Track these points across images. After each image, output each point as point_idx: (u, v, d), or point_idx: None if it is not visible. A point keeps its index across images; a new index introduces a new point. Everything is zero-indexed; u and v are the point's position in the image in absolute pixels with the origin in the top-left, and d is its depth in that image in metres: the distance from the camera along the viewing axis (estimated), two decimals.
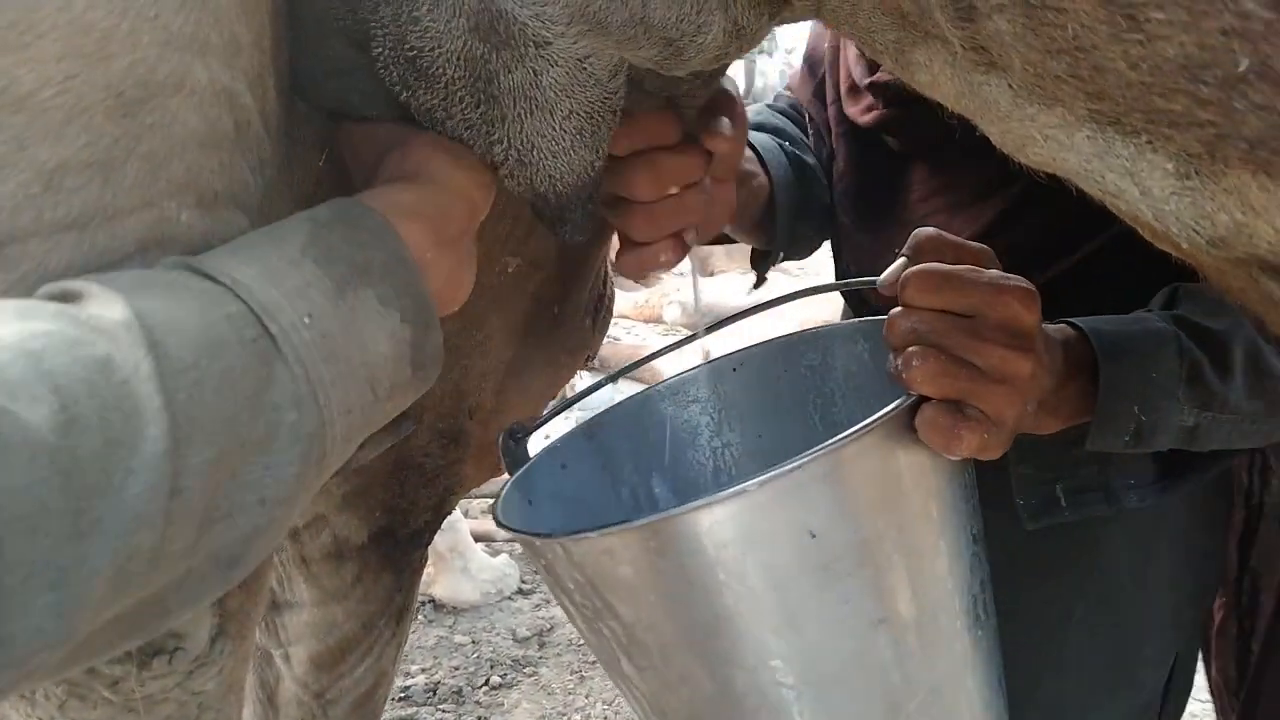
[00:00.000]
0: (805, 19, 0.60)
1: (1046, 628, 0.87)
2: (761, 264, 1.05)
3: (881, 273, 0.65)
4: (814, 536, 0.54)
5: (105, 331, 0.39)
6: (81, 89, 0.44)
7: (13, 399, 0.35)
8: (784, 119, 1.08)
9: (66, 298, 0.41)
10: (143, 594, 0.41)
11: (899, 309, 0.61)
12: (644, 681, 0.61)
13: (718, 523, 0.53)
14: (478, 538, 2.59)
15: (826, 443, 0.53)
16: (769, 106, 1.12)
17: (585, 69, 0.58)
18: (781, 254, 1.02)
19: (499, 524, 0.65)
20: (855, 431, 0.54)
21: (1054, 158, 0.38)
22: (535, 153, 0.59)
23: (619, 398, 0.85)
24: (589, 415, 0.82)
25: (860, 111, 0.96)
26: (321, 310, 0.46)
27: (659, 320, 4.44)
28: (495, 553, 2.57)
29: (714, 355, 0.85)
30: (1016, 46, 0.35)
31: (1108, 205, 0.37)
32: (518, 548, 2.61)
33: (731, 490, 0.53)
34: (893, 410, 0.56)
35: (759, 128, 1.03)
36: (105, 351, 0.38)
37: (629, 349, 3.80)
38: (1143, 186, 0.33)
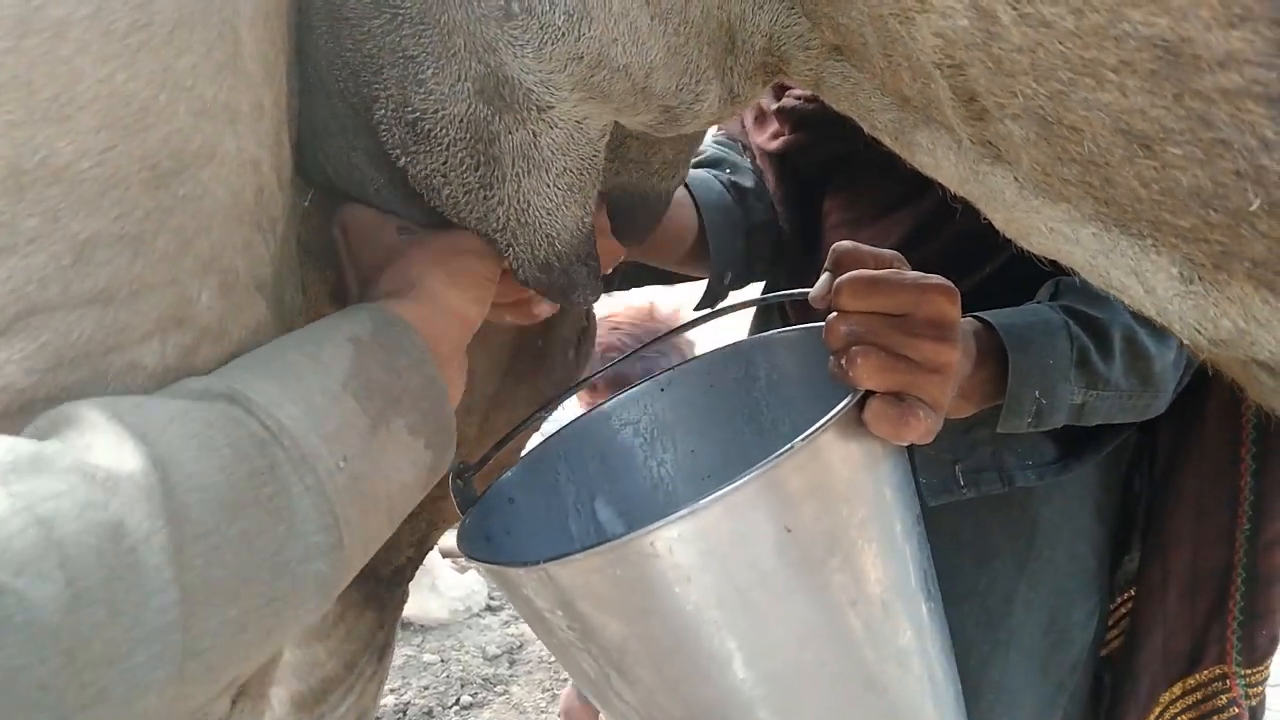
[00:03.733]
0: (801, 87, 0.62)
1: (994, 611, 0.92)
2: (708, 298, 1.07)
3: (812, 285, 0.70)
4: (790, 531, 0.58)
5: (120, 492, 0.37)
6: (118, 160, 0.43)
7: (19, 574, 0.34)
8: (722, 148, 1.12)
9: (81, 428, 0.39)
10: None
11: (835, 314, 0.66)
12: (634, 693, 0.63)
13: (707, 526, 0.56)
14: (445, 554, 2.58)
15: (793, 441, 0.56)
16: (713, 138, 1.16)
17: (581, 130, 0.59)
18: (729, 274, 1.05)
19: (472, 558, 0.67)
20: (818, 428, 0.57)
21: (1059, 249, 0.40)
22: (531, 211, 0.61)
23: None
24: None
25: (768, 139, 1.01)
26: (356, 451, 0.46)
27: None
28: (463, 569, 2.56)
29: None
30: (1027, 149, 0.37)
31: (1113, 297, 0.40)
32: None
33: (716, 494, 0.55)
34: (846, 406, 0.60)
35: (697, 164, 1.08)
36: (117, 516, 0.37)
37: None
38: (1147, 285, 0.35)
